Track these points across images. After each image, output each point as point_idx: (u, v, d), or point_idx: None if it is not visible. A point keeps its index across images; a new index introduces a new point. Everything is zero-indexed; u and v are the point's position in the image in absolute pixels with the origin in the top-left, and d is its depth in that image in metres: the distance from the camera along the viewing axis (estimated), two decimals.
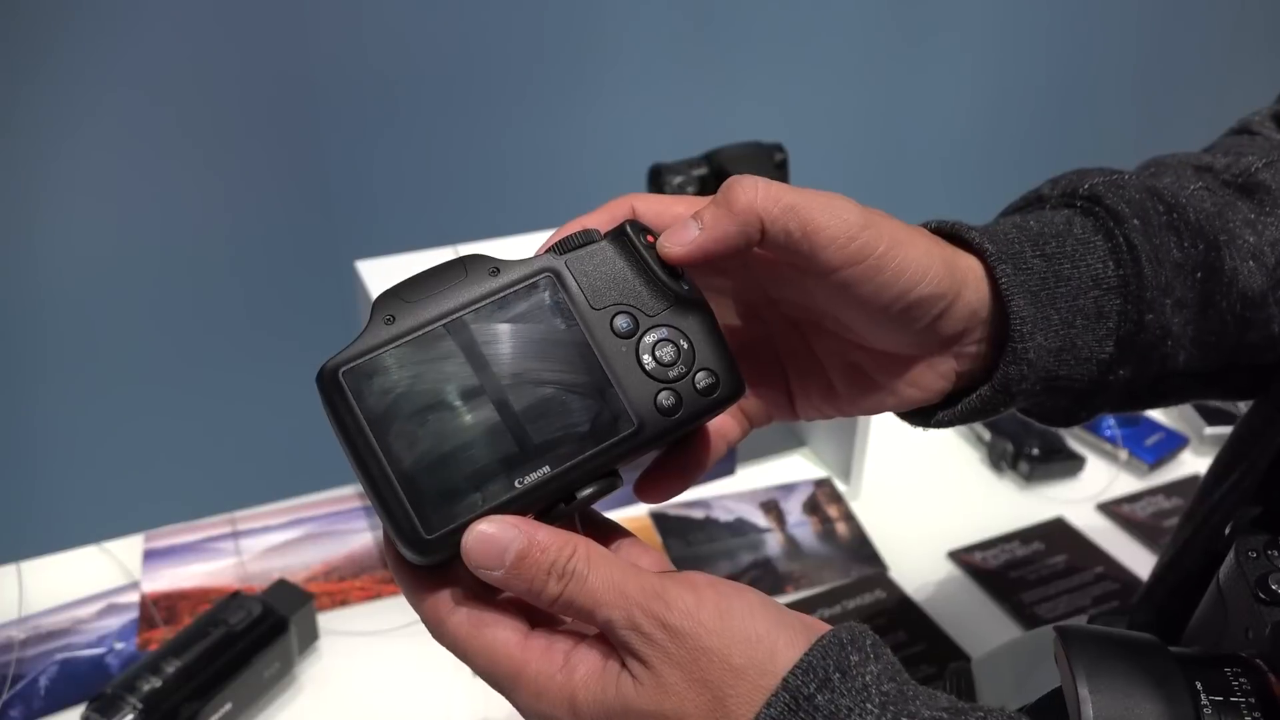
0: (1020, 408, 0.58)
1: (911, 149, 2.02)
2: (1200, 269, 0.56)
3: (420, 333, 0.45)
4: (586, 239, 0.48)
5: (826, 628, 0.42)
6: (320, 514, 1.07)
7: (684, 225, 0.48)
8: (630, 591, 0.42)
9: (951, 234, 0.54)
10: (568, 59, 1.63)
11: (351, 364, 0.44)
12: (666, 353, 0.47)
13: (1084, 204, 0.56)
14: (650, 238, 0.48)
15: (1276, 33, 2.30)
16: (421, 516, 0.44)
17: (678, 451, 0.51)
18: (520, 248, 1.08)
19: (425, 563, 0.45)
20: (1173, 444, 1.18)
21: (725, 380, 0.48)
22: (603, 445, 0.46)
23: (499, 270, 0.47)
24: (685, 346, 0.47)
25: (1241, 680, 0.44)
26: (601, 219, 0.50)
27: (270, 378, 1.61)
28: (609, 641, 0.43)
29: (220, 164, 1.49)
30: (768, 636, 0.41)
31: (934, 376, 0.55)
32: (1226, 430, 1.18)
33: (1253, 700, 0.43)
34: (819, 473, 1.16)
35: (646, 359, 0.47)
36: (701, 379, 0.47)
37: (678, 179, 1.06)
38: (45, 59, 1.33)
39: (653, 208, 0.51)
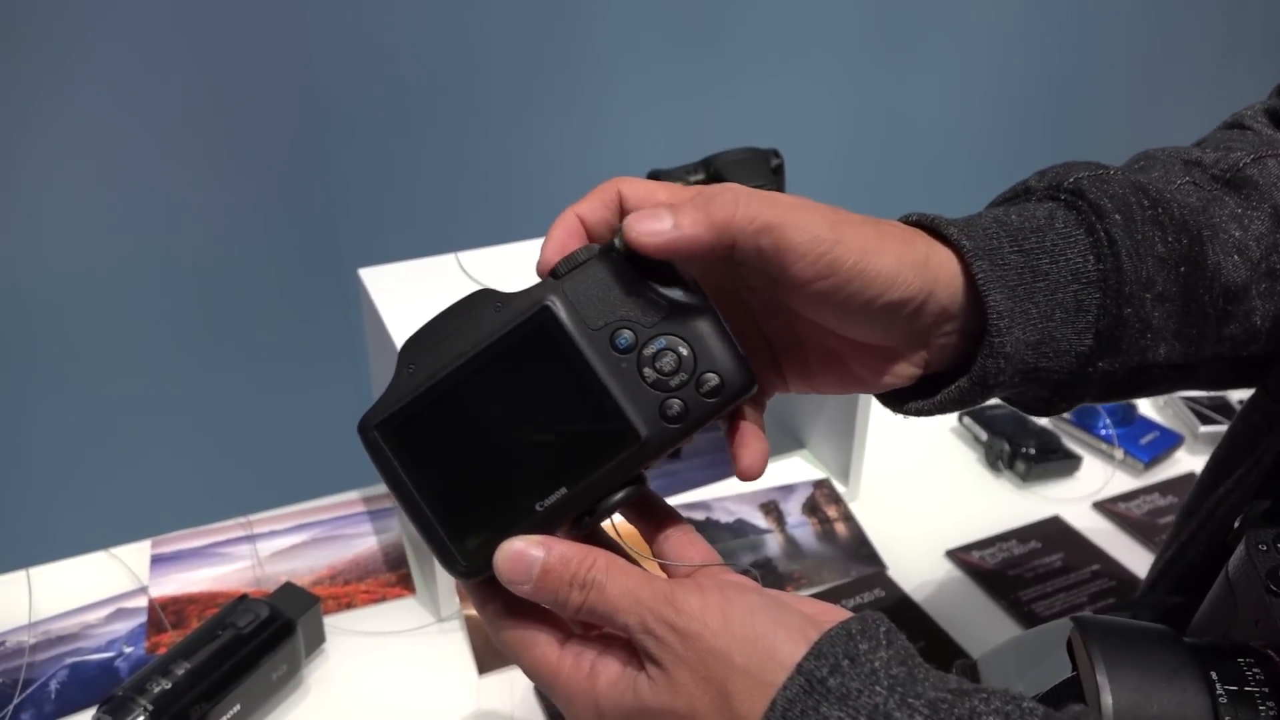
0: (1001, 397, 0.59)
1: (906, 152, 2.04)
2: (1183, 263, 0.56)
3: (437, 380, 0.49)
4: (576, 261, 0.49)
5: (835, 619, 0.45)
6: (325, 519, 1.08)
7: (657, 215, 0.48)
8: (644, 598, 0.46)
9: (931, 228, 0.55)
10: (567, 68, 1.64)
11: (381, 418, 0.49)
12: (667, 362, 0.49)
13: (1068, 197, 0.57)
14: None
15: (1271, 29, 2.32)
16: (458, 547, 0.49)
17: (734, 435, 0.53)
18: (522, 254, 1.08)
19: (469, 583, 0.50)
20: (1168, 442, 1.19)
21: (730, 378, 0.49)
22: (613, 460, 0.49)
23: (501, 305, 0.49)
24: (685, 353, 0.49)
25: (1255, 670, 0.45)
26: (591, 205, 0.52)
27: (274, 384, 1.62)
28: (627, 651, 0.47)
29: (230, 173, 1.50)
30: (766, 636, 0.44)
31: (905, 364, 0.56)
32: (1220, 429, 1.19)
33: (1266, 690, 0.44)
34: (818, 474, 1.17)
35: (647, 371, 0.49)
36: (705, 382, 0.49)
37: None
38: (52, 59, 1.34)
39: (637, 193, 0.52)
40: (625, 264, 0.49)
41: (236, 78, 1.45)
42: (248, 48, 1.44)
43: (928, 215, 0.56)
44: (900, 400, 0.59)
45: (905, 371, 0.56)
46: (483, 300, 0.50)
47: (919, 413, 0.58)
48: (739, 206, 0.48)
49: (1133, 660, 0.45)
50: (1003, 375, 0.54)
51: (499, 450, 0.49)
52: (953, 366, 0.57)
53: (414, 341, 0.50)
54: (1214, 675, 0.44)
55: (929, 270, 0.52)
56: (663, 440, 0.49)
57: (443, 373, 0.49)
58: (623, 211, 0.52)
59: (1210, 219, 0.58)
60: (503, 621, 0.50)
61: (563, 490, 0.48)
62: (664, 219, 0.48)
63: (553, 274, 0.50)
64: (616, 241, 0.49)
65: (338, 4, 1.46)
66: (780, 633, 0.44)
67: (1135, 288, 0.54)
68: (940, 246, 0.54)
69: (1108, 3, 2.12)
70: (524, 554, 0.47)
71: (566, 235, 0.51)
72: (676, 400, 0.49)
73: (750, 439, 0.52)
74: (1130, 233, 0.55)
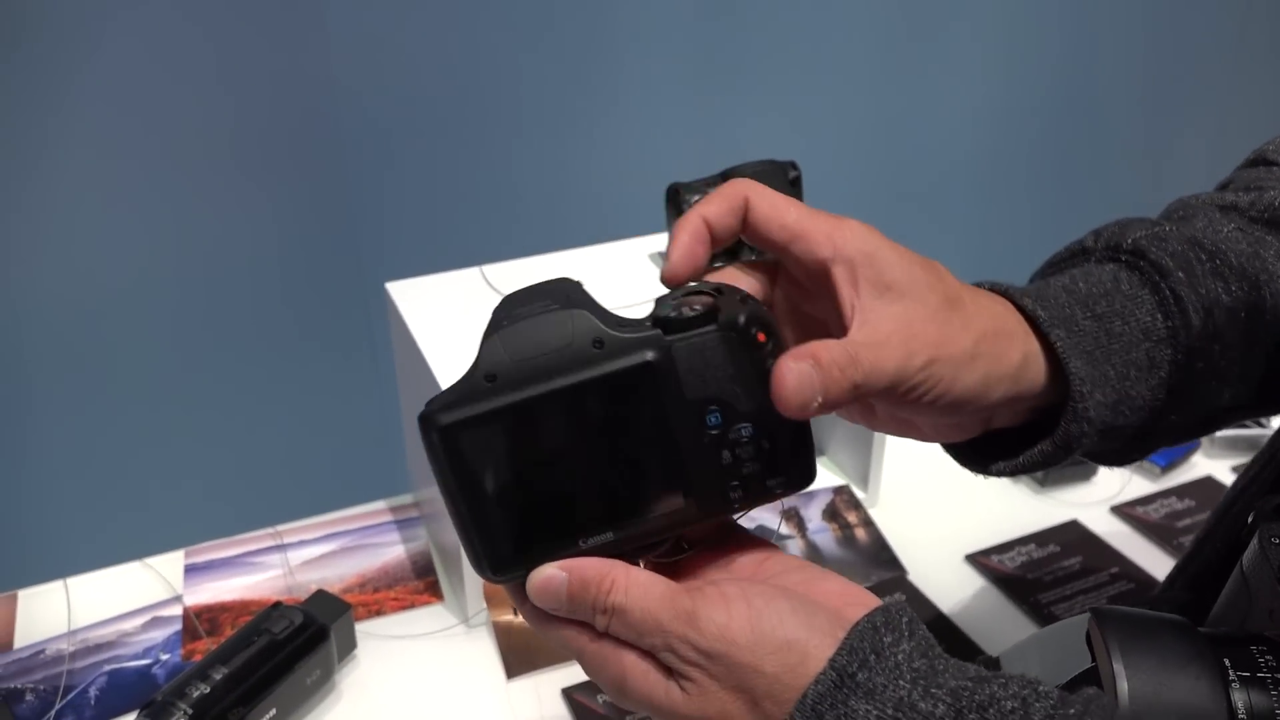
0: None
1: (921, 163, 2.05)
2: (1244, 309, 0.58)
3: (516, 400, 0.47)
4: (692, 325, 0.48)
5: (862, 608, 0.46)
6: (353, 528, 1.10)
7: (811, 388, 0.47)
8: (664, 621, 0.46)
9: (1005, 295, 0.56)
10: (587, 83, 1.66)
11: (450, 419, 0.47)
12: (746, 451, 0.49)
13: (1129, 258, 0.58)
14: (761, 336, 0.48)
15: (1279, 44, 2.33)
16: (493, 560, 0.49)
17: None
18: (546, 267, 1.10)
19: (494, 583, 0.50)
20: (1184, 447, 1.20)
21: (795, 478, 0.50)
22: (665, 523, 0.49)
23: (603, 343, 0.47)
24: (766, 448, 0.49)
25: (1268, 657, 0.46)
26: (718, 209, 0.51)
27: (301, 398, 1.64)
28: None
29: (256, 188, 1.52)
30: (798, 642, 0.45)
31: (973, 426, 0.57)
32: (1236, 433, 1.20)
33: (1279, 676, 0.45)
34: (837, 480, 1.18)
35: (725, 454, 0.49)
36: (773, 475, 0.50)
37: (695, 197, 1.09)
38: (74, 72, 1.36)
39: (765, 203, 0.52)
40: (737, 346, 0.48)
41: (259, 91, 1.47)
42: (270, 60, 1.46)
43: (1000, 284, 0.57)
44: (982, 462, 0.60)
45: (970, 430, 0.58)
46: (583, 326, 0.48)
47: (1001, 473, 0.59)
48: (860, 389, 0.48)
49: (1148, 648, 0.46)
50: (1085, 437, 0.55)
51: (558, 481, 0.48)
52: (1023, 423, 0.58)
53: (498, 341, 0.48)
54: (1227, 662, 0.46)
55: (1019, 380, 0.53)
56: (716, 513, 0.50)
57: (522, 394, 0.47)
58: (747, 223, 0.52)
59: (1264, 263, 0.60)
60: (539, 618, 0.50)
61: (609, 534, 0.49)
62: (815, 394, 0.47)
63: (665, 326, 0.48)
64: (741, 319, 0.48)
65: (360, 17, 1.48)
66: (812, 638, 0.45)
67: (1204, 341, 0.56)
68: (1033, 338, 0.55)
69: (1120, 16, 2.13)
70: (551, 580, 0.48)
71: (694, 241, 0.51)
72: (740, 487, 0.49)
73: None
74: (1194, 288, 0.56)
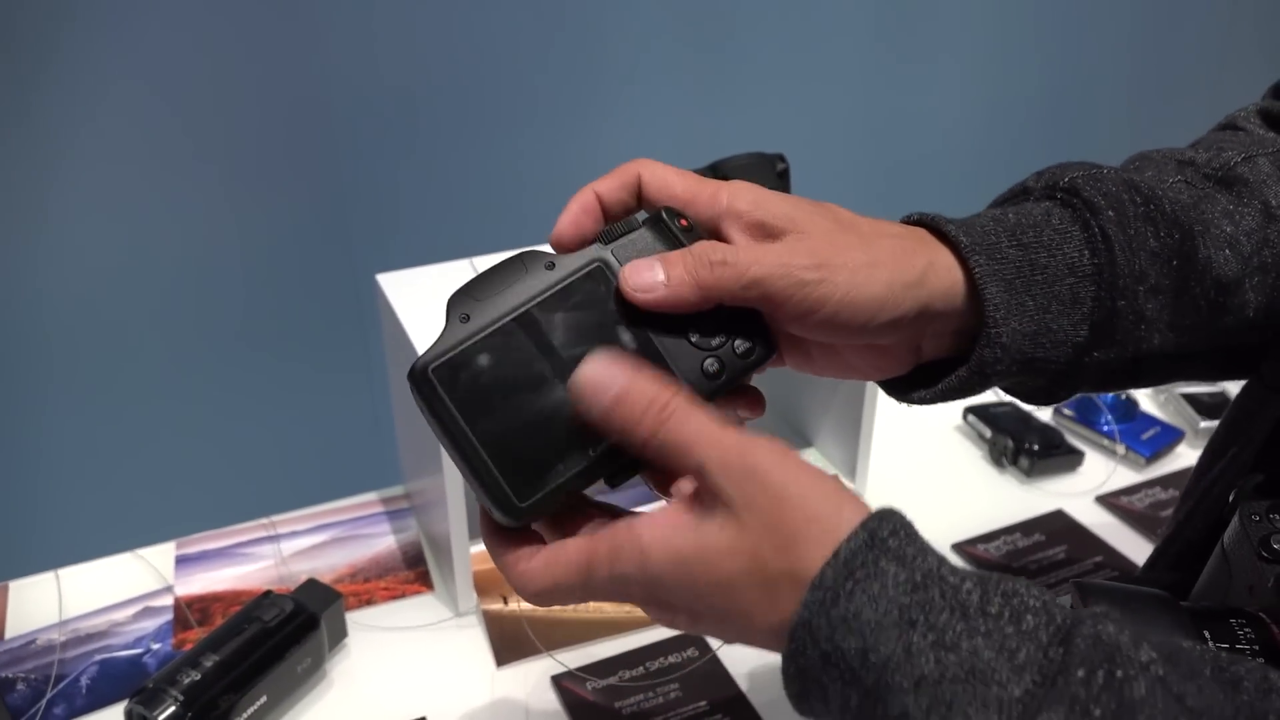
0: (1001, 387, 0.62)
1: (909, 155, 2.06)
2: (1175, 257, 0.59)
3: (493, 328, 0.51)
4: (628, 227, 0.54)
5: None
6: (344, 519, 1.10)
7: (651, 270, 0.52)
8: (725, 439, 0.47)
9: (931, 226, 0.58)
10: (578, 76, 1.67)
11: (438, 361, 0.51)
12: (706, 326, 0.53)
13: (1063, 196, 0.59)
14: (684, 221, 0.54)
15: (1266, 41, 2.34)
16: (513, 487, 0.50)
17: (737, 394, 0.57)
18: None
19: (517, 525, 0.51)
20: (1169, 438, 1.21)
21: (760, 343, 0.54)
22: None
23: (554, 264, 0.53)
24: (724, 316, 0.53)
25: (1246, 630, 0.47)
26: (610, 185, 0.56)
27: (292, 390, 1.64)
28: (677, 505, 0.49)
29: (245, 180, 1.53)
30: (836, 495, 0.47)
31: (900, 357, 0.59)
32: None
33: (1257, 648, 0.46)
34: (827, 471, 1.19)
35: (691, 334, 0.53)
36: (740, 345, 0.53)
37: None
38: (63, 75, 1.36)
39: (655, 180, 0.56)
40: (666, 231, 0.54)
41: (250, 83, 1.48)
42: (261, 53, 1.46)
43: (928, 214, 0.59)
44: (903, 390, 0.61)
45: (901, 363, 0.59)
46: (533, 259, 0.53)
47: (921, 401, 0.60)
48: (727, 267, 0.51)
49: (1130, 620, 0.47)
50: (1000, 365, 0.56)
51: (552, 397, 0.51)
52: (951, 355, 0.59)
53: (463, 293, 0.52)
54: (1207, 634, 0.46)
55: (924, 286, 0.55)
56: (702, 395, 0.52)
57: (499, 321, 0.51)
58: (640, 195, 0.56)
59: (1202, 215, 0.61)
60: (528, 564, 0.51)
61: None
62: (657, 275, 0.52)
63: (601, 239, 0.54)
64: (664, 213, 0.54)
65: (351, 11, 1.49)
66: (846, 498, 0.47)
67: (1128, 280, 0.57)
68: (943, 250, 0.56)
69: (1110, 12, 2.15)
70: (601, 374, 0.48)
71: (582, 211, 0.55)
72: (715, 359, 0.53)
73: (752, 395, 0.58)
74: (1123, 228, 0.57)
